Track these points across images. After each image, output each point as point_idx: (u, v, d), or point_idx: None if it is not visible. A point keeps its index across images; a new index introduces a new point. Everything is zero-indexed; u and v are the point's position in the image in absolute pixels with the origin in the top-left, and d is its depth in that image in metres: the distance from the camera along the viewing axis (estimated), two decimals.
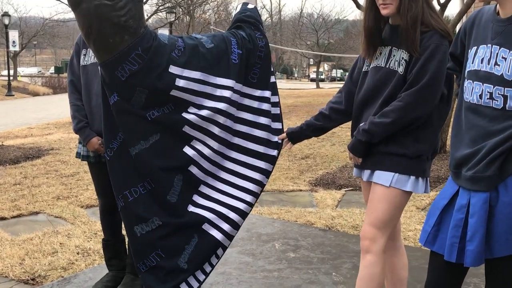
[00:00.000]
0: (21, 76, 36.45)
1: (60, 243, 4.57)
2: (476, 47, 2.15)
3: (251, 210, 2.73)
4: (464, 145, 2.11)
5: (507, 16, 2.04)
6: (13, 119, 15.50)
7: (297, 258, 4.01)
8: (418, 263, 3.91)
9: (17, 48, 29.39)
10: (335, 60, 54.43)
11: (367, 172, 2.59)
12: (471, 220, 2.04)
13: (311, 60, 58.90)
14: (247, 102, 2.66)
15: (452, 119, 2.32)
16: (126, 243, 3.41)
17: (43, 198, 6.18)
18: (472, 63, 2.14)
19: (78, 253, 4.34)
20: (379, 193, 2.50)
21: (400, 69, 2.46)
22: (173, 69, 2.45)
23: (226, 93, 2.55)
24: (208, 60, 2.53)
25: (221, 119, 2.55)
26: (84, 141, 3.27)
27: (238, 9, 2.81)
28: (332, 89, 31.80)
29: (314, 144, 9.48)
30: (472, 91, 2.10)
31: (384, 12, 2.48)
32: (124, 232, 3.27)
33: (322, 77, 55.99)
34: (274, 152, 2.72)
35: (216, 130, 2.56)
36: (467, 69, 2.18)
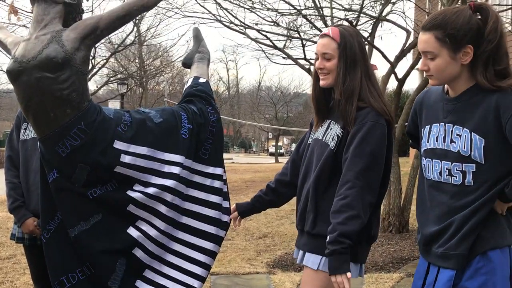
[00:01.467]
0: None
1: None
2: (429, 126, 2.25)
3: None
4: (431, 222, 2.19)
5: (456, 95, 2.16)
6: None
7: None
8: None
9: None
10: (295, 134, 55.30)
11: (300, 254, 2.60)
12: None
13: (270, 133, 59.76)
14: (197, 179, 2.65)
15: (416, 197, 2.37)
16: None
17: None
18: (428, 141, 2.24)
19: None
20: (307, 276, 2.51)
21: (332, 144, 2.49)
22: (118, 145, 2.44)
23: (175, 170, 2.54)
24: (156, 135, 2.52)
25: (168, 197, 2.53)
26: (19, 222, 3.20)
27: (189, 83, 2.85)
28: None
29: (272, 222, 9.45)
30: (432, 168, 2.20)
31: (321, 83, 2.56)
32: None
33: (281, 151, 56.65)
34: (223, 233, 2.71)
35: (163, 209, 2.52)
36: (423, 148, 2.28)
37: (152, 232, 2.52)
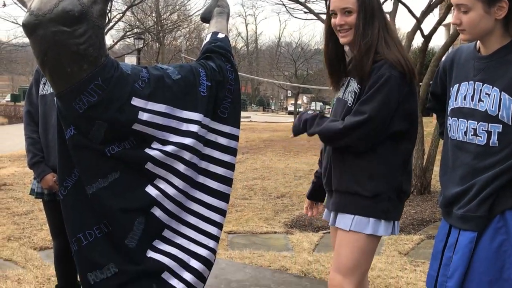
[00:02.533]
0: None
1: None
2: (458, 85, 2.23)
3: (214, 258, 2.68)
4: (453, 183, 2.19)
5: (488, 53, 2.13)
6: None
7: None
8: None
9: None
10: (315, 92, 54.91)
11: (332, 216, 2.61)
12: (455, 257, 2.15)
13: (289, 91, 59.47)
14: (214, 138, 2.64)
15: (440, 159, 2.36)
16: None
17: None
18: (455, 100, 2.22)
19: None
20: (340, 238, 2.52)
21: (350, 101, 2.50)
22: (136, 101, 2.43)
23: (193, 128, 2.53)
24: (174, 92, 2.51)
25: (187, 156, 2.52)
26: (38, 177, 3.25)
27: (208, 39, 2.82)
28: None
29: (290, 182, 9.49)
30: (458, 128, 2.19)
31: (342, 40, 2.52)
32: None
33: (301, 109, 56.55)
34: (230, 191, 2.72)
35: (181, 167, 2.53)
36: (451, 107, 2.25)
37: (170, 190, 2.52)
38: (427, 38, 7.58)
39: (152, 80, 2.48)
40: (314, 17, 8.02)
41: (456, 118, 2.21)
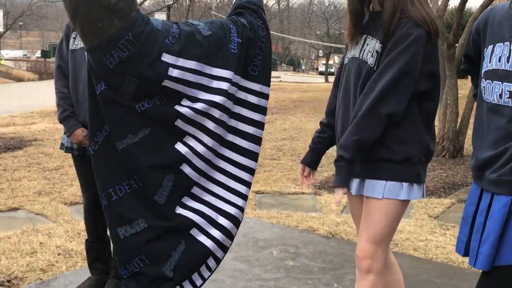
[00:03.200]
0: (5, 59, 36.50)
1: (40, 243, 4.57)
2: (492, 46, 2.19)
3: (242, 216, 2.70)
4: (486, 147, 2.17)
5: None
6: None
7: (296, 267, 4.00)
8: (429, 276, 3.90)
9: (1, 29, 29.40)
10: (341, 51, 54.40)
11: (355, 183, 2.50)
12: (488, 222, 2.11)
13: (320, 51, 58.94)
14: (244, 96, 2.64)
15: (473, 122, 2.33)
16: (112, 245, 3.43)
17: (23, 193, 6.19)
18: (490, 62, 2.18)
19: (59, 254, 4.34)
20: (371, 206, 2.45)
21: (371, 61, 2.41)
22: (166, 58, 2.43)
23: (223, 85, 2.53)
24: (205, 48, 2.50)
25: (216, 114, 2.53)
26: (68, 131, 3.29)
27: None
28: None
29: None
30: (492, 90, 2.15)
31: None
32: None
33: (332, 70, 55.91)
34: (259, 150, 2.72)
35: (211, 125, 2.53)
36: (485, 69, 2.22)
37: (199, 148, 2.54)
38: None
39: (182, 36, 2.47)
40: None
41: (490, 81, 2.17)
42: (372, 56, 2.40)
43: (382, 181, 2.42)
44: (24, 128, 11.18)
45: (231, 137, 2.63)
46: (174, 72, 2.45)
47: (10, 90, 21.88)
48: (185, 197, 2.60)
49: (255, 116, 2.66)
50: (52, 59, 35.08)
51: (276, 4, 60.03)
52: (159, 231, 2.56)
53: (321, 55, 62.26)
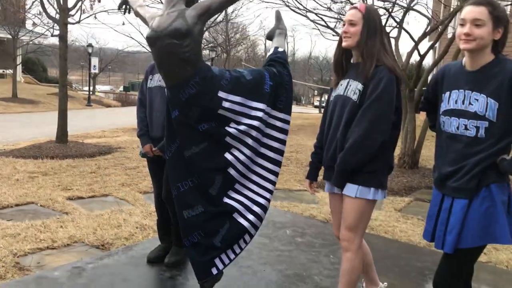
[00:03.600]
0: (98, 92, 36.80)
1: (124, 219, 4.58)
2: (449, 92, 2.17)
3: (269, 205, 2.68)
4: (447, 164, 2.14)
5: (475, 68, 2.07)
6: (91, 124, 15.64)
7: (303, 243, 3.97)
8: (396, 252, 3.85)
9: (96, 71, 29.78)
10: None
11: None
12: (451, 218, 2.09)
13: (316, 91, 58.77)
14: (273, 122, 2.62)
15: (435, 146, 2.28)
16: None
17: (111, 184, 6.21)
18: (448, 104, 2.16)
19: (137, 228, 4.35)
20: (348, 203, 2.40)
21: (354, 97, 2.34)
22: (221, 94, 2.44)
23: (259, 114, 2.53)
24: (248, 88, 2.50)
25: (253, 133, 2.53)
26: (142, 144, 3.39)
27: (271, 51, 2.79)
28: None
29: None
30: (450, 124, 2.13)
31: (344, 44, 2.39)
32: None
33: (323, 105, 55.74)
34: (282, 159, 2.69)
35: (249, 141, 2.53)
36: (443, 109, 2.19)
37: (241, 157, 2.53)
38: (422, 57, 7.36)
39: (232, 79, 2.48)
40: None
41: (448, 117, 2.15)
42: (355, 93, 2.34)
43: (356, 185, 2.36)
44: (111, 139, 11.23)
45: (263, 150, 2.62)
46: (226, 104, 2.45)
47: (101, 113, 22.06)
48: (230, 190, 2.59)
49: (280, 136, 2.65)
50: (131, 92, 35.64)
51: None
52: (212, 214, 2.55)
53: (316, 94, 62.04)
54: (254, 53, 41.98)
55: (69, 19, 8.75)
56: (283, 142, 2.66)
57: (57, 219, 4.53)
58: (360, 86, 2.34)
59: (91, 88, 28.90)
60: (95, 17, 9.35)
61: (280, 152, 2.66)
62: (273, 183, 2.66)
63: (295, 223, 4.57)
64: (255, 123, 2.52)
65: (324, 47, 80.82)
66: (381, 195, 2.41)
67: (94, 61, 26.97)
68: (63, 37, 8.68)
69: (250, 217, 2.59)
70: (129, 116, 20.62)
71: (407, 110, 7.50)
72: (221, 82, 2.44)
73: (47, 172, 6.85)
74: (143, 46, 16.28)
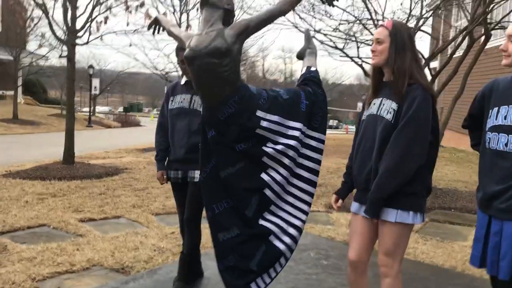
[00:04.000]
0: (97, 112, 36.82)
1: (140, 242, 4.49)
2: (497, 108, 2.12)
3: (303, 227, 2.61)
4: (493, 183, 2.07)
5: None
6: (94, 145, 15.54)
7: (329, 265, 3.89)
8: (424, 274, 3.76)
9: (97, 92, 29.79)
10: (332, 112, 54.33)
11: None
12: (503, 243, 2.00)
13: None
14: (308, 141, 2.57)
15: (479, 164, 2.24)
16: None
17: (122, 206, 6.13)
18: (496, 119, 2.11)
19: (154, 250, 4.26)
20: (386, 228, 2.31)
21: (389, 117, 2.27)
22: (259, 113, 2.40)
23: (296, 133, 2.49)
24: (285, 107, 2.47)
25: (290, 153, 2.48)
26: (157, 170, 3.37)
27: (303, 71, 2.76)
28: (330, 134, 31.51)
29: (325, 176, 9.34)
30: (498, 141, 2.07)
31: (372, 62, 2.37)
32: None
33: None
34: (317, 180, 2.63)
35: (286, 161, 2.48)
36: (490, 125, 2.14)
37: (277, 177, 2.47)
38: (434, 76, 7.31)
39: (269, 98, 2.44)
40: (348, 59, 7.82)
41: (496, 133, 2.10)
42: (390, 113, 2.28)
43: (394, 209, 2.28)
44: (116, 160, 11.14)
45: (298, 170, 2.56)
46: (264, 123, 2.41)
47: (102, 134, 22.01)
48: (266, 212, 2.52)
49: (315, 155, 2.59)
50: (131, 113, 35.63)
51: (283, 79, 60.34)
52: (248, 236, 2.48)
53: None
54: (254, 74, 42.20)
55: (77, 41, 8.77)
56: (318, 162, 2.61)
57: (72, 242, 4.44)
58: (394, 105, 2.28)
59: (92, 109, 28.86)
60: (101, 39, 9.35)
61: (315, 172, 2.60)
62: (309, 204, 2.60)
63: (317, 244, 4.49)
64: (292, 142, 2.47)
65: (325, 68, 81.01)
66: (420, 219, 2.33)
67: (95, 82, 27.02)
68: (71, 58, 8.69)
69: (286, 239, 2.53)
70: (130, 137, 20.57)
71: None
72: (259, 101, 2.40)
73: (56, 194, 6.76)
74: (147, 68, 16.33)
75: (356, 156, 2.48)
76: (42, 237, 4.67)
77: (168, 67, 21.90)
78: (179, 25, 15.83)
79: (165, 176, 3.31)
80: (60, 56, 9.29)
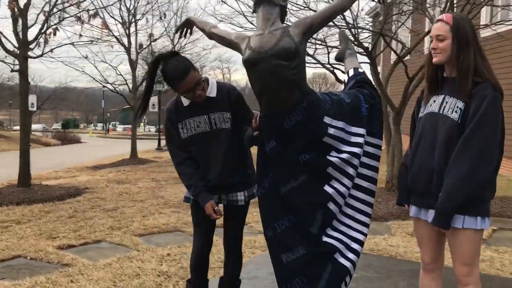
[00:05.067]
0: (32, 130, 34.70)
1: (138, 267, 4.09)
2: None
3: (365, 240, 2.43)
4: None
5: None
6: (38, 164, 14.45)
7: (359, 278, 3.68)
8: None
9: (34, 109, 27.95)
10: None
11: (431, 213, 2.21)
12: None
13: None
14: (368, 149, 2.39)
15: None
16: None
17: (99, 228, 5.64)
18: None
19: (158, 275, 3.88)
20: (460, 236, 2.18)
21: (455, 116, 2.13)
22: (326, 119, 2.19)
23: (359, 139, 2.30)
24: (348, 112, 2.28)
25: (355, 161, 2.28)
26: (203, 204, 2.62)
27: (351, 72, 2.58)
28: None
29: None
30: None
31: (434, 60, 2.20)
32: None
33: None
34: (376, 189, 2.45)
35: (350, 170, 2.28)
36: None
37: (342, 189, 2.27)
38: (411, 79, 7.33)
39: (335, 103, 2.24)
40: (319, 65, 7.74)
41: None
42: (456, 112, 2.13)
43: (461, 215, 2.14)
44: (71, 179, 10.40)
45: (357, 180, 2.37)
46: (331, 130, 2.20)
47: (43, 153, 20.66)
48: (328, 228, 2.31)
49: (374, 163, 2.41)
50: (70, 130, 33.67)
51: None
52: (314, 256, 2.25)
53: None
54: None
55: (29, 53, 8.10)
56: (376, 169, 2.43)
57: (62, 273, 3.96)
58: (461, 104, 2.14)
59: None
60: (52, 51, 8.70)
61: (374, 181, 2.42)
62: (369, 215, 2.42)
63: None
64: (357, 150, 2.28)
65: None
66: (488, 224, 2.22)
67: (32, 98, 25.33)
68: (23, 72, 8.00)
69: (351, 255, 2.32)
70: (74, 155, 19.52)
71: (391, 133, 7.55)
72: (325, 106, 2.20)
73: (20, 220, 6.12)
74: (97, 81, 15.38)
75: (414, 158, 2.33)
76: (22, 270, 4.14)
77: (119, 79, 20.92)
78: (129, 36, 15.23)
79: (216, 208, 2.62)
80: (12, 71, 8.50)
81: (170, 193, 8.22)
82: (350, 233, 2.34)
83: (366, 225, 2.39)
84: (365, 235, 2.38)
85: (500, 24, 7.76)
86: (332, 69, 7.71)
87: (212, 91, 2.60)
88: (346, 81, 2.59)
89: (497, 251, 4.71)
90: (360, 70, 2.58)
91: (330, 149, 2.23)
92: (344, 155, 2.24)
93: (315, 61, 7.64)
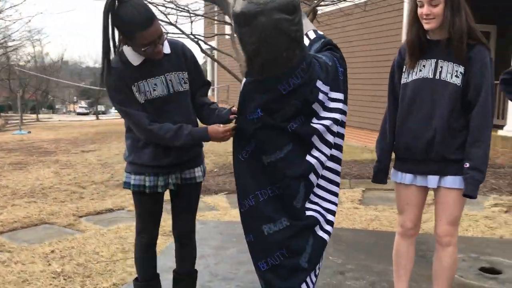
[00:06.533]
0: None
1: (22, 271, 3.39)
2: None
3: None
4: None
5: None
6: None
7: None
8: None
9: None
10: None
11: (432, 178, 2.28)
12: None
13: (75, 97, 54.88)
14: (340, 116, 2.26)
15: None
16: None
17: None
18: None
19: (54, 277, 3.27)
20: (450, 196, 2.26)
21: (456, 81, 2.15)
22: (318, 83, 1.97)
23: (339, 105, 2.13)
24: (331, 76, 2.10)
25: (335, 128, 2.12)
26: (205, 134, 2.18)
27: (314, 34, 2.39)
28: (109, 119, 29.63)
29: None
30: None
31: (427, 26, 2.17)
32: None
33: (87, 111, 51.37)
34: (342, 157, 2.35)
35: (330, 138, 2.12)
36: None
37: (322, 158, 2.10)
38: None
39: (323, 66, 2.05)
40: (183, 36, 7.27)
41: None
42: (457, 76, 2.17)
43: (455, 176, 2.23)
44: None
45: (333, 150, 2.24)
46: (320, 96, 2.03)
47: None
48: (306, 200, 2.16)
49: (341, 130, 2.30)
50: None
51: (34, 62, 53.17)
52: (297, 229, 2.10)
53: (76, 100, 57.63)
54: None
55: None
56: (343, 137, 2.33)
57: None
58: (461, 68, 2.16)
59: None
60: None
61: (341, 150, 2.33)
62: (338, 185, 2.32)
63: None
64: (338, 116, 2.14)
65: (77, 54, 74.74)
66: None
67: None
68: None
69: (328, 227, 2.22)
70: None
71: None
72: (317, 69, 1.98)
73: None
74: None
75: (403, 125, 2.32)
76: None
77: None
78: None
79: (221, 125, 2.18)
80: None
81: (14, 181, 7.00)
82: (324, 204, 2.23)
83: (336, 195, 2.30)
84: (336, 204, 2.30)
85: None
86: (196, 39, 7.38)
87: (165, 47, 2.19)
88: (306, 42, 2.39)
89: (377, 209, 5.18)
90: (320, 32, 2.43)
91: (312, 116, 2.06)
92: (326, 122, 2.09)
93: (179, 31, 7.19)
